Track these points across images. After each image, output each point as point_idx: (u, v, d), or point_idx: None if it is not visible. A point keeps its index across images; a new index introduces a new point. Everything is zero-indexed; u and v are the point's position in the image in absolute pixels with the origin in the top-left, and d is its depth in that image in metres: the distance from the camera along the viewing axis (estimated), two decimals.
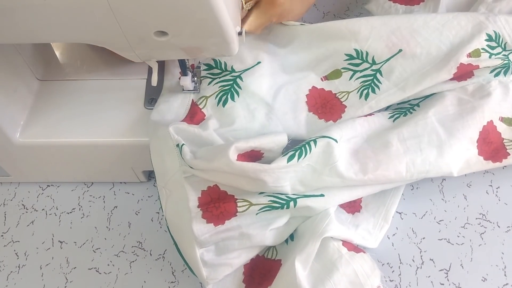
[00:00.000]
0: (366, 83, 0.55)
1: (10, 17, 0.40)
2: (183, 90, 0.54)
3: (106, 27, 0.40)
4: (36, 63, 0.57)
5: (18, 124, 0.54)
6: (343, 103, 0.55)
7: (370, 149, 0.52)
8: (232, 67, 0.55)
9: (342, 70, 0.56)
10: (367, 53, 0.55)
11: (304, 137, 0.53)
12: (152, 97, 0.55)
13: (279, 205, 0.49)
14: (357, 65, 0.55)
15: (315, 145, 0.49)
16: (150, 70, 0.56)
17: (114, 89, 0.56)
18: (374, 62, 0.55)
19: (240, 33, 0.46)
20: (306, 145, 0.49)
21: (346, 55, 0.56)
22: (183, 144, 0.48)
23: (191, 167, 0.48)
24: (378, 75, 0.55)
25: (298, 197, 0.49)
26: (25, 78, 0.56)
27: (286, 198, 0.49)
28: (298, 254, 0.47)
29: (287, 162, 0.48)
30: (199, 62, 0.56)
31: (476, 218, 0.54)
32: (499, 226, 0.54)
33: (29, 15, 0.40)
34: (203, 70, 0.56)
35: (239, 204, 0.48)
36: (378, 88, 0.54)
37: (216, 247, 0.49)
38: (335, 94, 0.55)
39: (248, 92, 0.54)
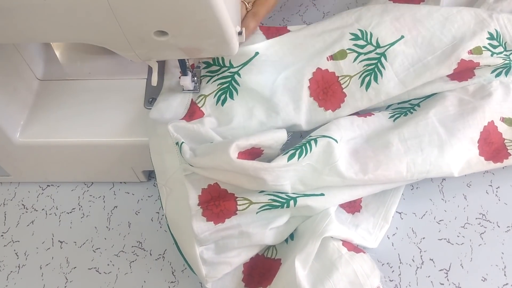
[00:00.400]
0: (369, 67, 0.54)
1: (10, 17, 0.40)
2: (183, 90, 0.54)
3: (106, 27, 0.40)
4: (36, 63, 0.57)
5: (18, 124, 0.54)
6: (343, 90, 0.54)
7: (371, 149, 0.52)
8: (230, 61, 0.55)
9: (348, 51, 0.55)
10: (371, 34, 0.55)
11: (303, 128, 0.53)
12: (152, 97, 0.54)
13: (279, 204, 0.49)
14: (362, 46, 0.54)
15: (316, 145, 0.49)
16: (150, 70, 0.56)
17: (114, 89, 0.56)
18: (378, 45, 0.54)
19: (240, 33, 0.46)
20: (307, 144, 0.49)
21: (351, 34, 0.55)
22: (182, 142, 0.48)
23: (191, 165, 0.48)
24: (382, 59, 0.54)
25: (298, 196, 0.49)
26: (25, 77, 0.56)
27: (286, 197, 0.49)
28: (298, 254, 0.47)
29: (287, 161, 0.48)
30: (199, 62, 0.56)
31: (476, 218, 0.54)
32: (499, 226, 0.54)
33: (29, 15, 0.40)
34: (203, 68, 0.55)
35: (239, 202, 0.48)
36: (381, 75, 0.54)
37: (216, 245, 0.49)
38: (338, 77, 0.55)
39: (247, 89, 0.53)
